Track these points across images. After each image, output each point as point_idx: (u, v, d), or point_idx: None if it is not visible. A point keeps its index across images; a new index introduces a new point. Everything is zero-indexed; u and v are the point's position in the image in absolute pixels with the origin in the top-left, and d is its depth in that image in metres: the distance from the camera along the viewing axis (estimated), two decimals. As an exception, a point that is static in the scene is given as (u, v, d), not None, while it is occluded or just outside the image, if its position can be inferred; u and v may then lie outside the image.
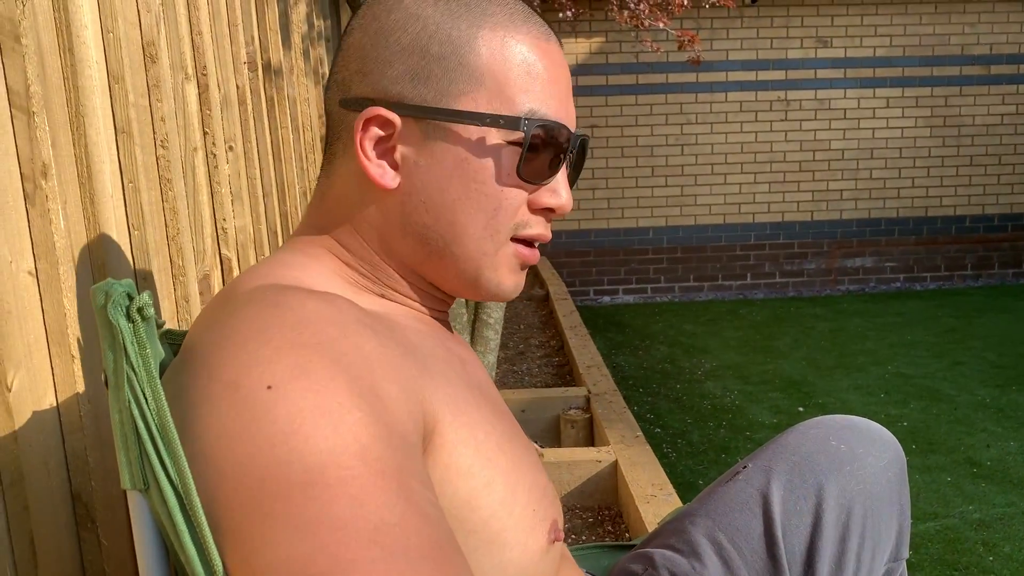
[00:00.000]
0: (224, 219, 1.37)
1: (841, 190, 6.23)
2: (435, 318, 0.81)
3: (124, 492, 0.97)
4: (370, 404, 0.56)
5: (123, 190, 1.02)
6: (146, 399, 0.59)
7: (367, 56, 0.74)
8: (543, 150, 0.73)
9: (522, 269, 0.79)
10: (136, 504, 0.60)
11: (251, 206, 1.53)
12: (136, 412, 0.58)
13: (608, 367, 3.67)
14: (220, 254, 1.36)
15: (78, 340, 0.89)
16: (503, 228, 0.74)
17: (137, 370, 0.59)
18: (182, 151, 1.21)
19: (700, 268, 6.27)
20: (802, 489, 0.95)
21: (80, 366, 0.89)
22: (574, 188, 5.98)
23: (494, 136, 0.72)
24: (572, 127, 0.77)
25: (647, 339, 5.18)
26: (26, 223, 0.82)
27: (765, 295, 6.30)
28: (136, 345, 0.59)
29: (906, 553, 0.99)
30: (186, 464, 0.57)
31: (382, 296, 0.77)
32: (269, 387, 0.53)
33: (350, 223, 0.76)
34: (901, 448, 1.02)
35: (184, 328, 1.19)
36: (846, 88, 6.08)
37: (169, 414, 0.59)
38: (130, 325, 0.59)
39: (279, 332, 0.57)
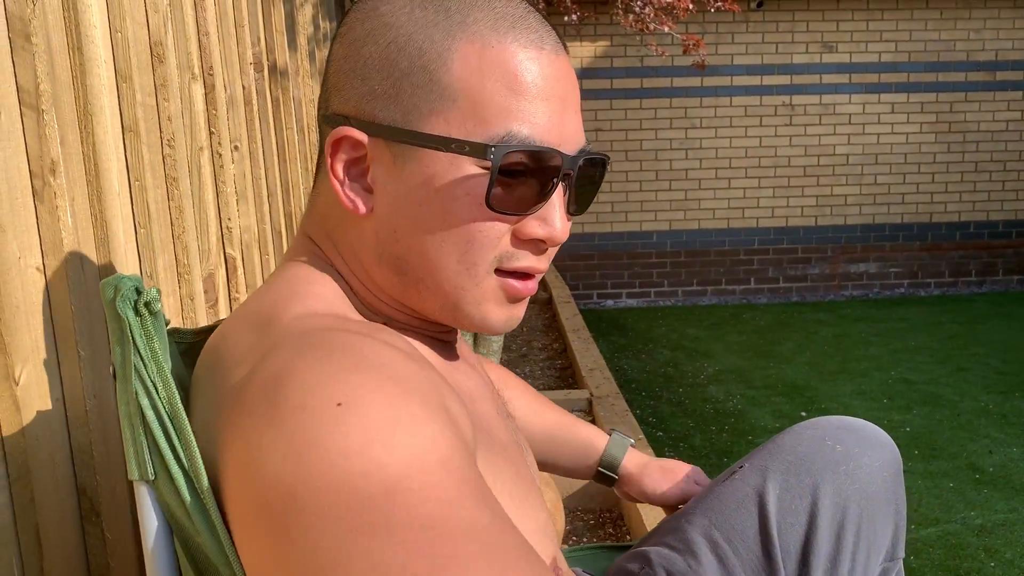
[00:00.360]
0: (229, 218, 1.38)
1: (845, 195, 6.23)
2: (444, 340, 0.77)
3: (129, 486, 0.98)
4: (444, 419, 0.54)
5: (130, 188, 1.03)
6: (156, 388, 0.60)
7: (341, 70, 0.69)
8: (527, 176, 0.65)
9: (513, 303, 0.72)
10: (143, 495, 0.61)
11: (256, 206, 1.54)
12: (146, 402, 0.60)
13: (611, 370, 3.68)
14: (225, 253, 1.37)
15: (84, 336, 0.90)
16: (480, 262, 0.67)
17: (146, 361, 0.60)
18: (188, 150, 1.22)
19: (703, 272, 6.27)
20: (798, 488, 0.96)
21: (86, 362, 0.90)
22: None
23: (465, 163, 0.64)
24: (573, 147, 0.68)
25: (650, 343, 5.18)
26: (35, 219, 0.83)
27: (768, 300, 6.30)
28: (144, 337, 0.61)
29: (902, 553, 1.00)
30: (196, 449, 0.58)
31: (385, 324, 0.72)
32: (339, 404, 0.50)
33: (334, 245, 0.72)
34: (897, 449, 1.02)
35: (190, 326, 1.20)
36: (851, 93, 6.08)
37: (179, 401, 0.60)
38: (138, 319, 0.61)
39: (343, 355, 0.54)
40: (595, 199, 6.06)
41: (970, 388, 4.12)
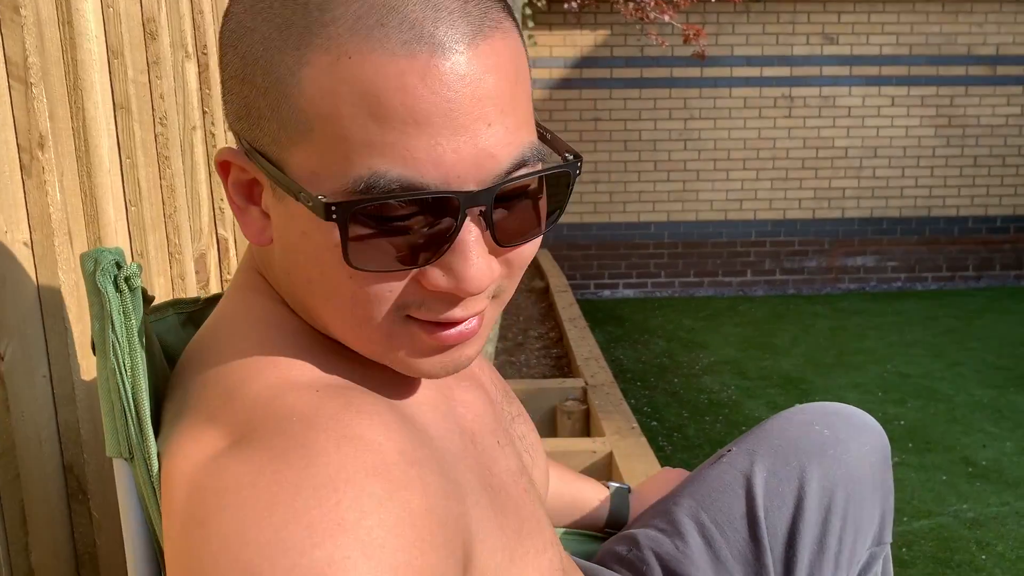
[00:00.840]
0: (222, 199, 1.38)
1: (843, 188, 6.23)
2: None
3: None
4: None
5: (120, 166, 1.02)
6: (125, 371, 0.59)
7: (222, 78, 0.58)
8: (409, 223, 0.51)
9: (441, 351, 0.58)
10: (121, 471, 0.61)
11: (250, 187, 1.53)
12: (119, 381, 0.59)
13: (607, 360, 3.69)
14: (217, 234, 1.36)
15: (73, 313, 0.90)
16: (375, 316, 0.55)
17: (120, 340, 0.59)
18: (181, 129, 1.21)
19: (700, 264, 6.27)
20: (785, 472, 0.96)
21: (74, 338, 0.89)
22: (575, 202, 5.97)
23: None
24: (481, 174, 0.52)
25: (646, 333, 5.18)
26: (22, 194, 0.82)
27: (765, 292, 6.30)
28: (122, 315, 0.59)
29: (889, 538, 1.00)
30: (153, 442, 0.58)
31: (351, 351, 0.62)
32: None
33: (268, 269, 0.64)
34: (885, 435, 1.03)
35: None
36: (851, 85, 6.07)
37: (144, 391, 0.59)
38: (118, 295, 0.59)
39: (313, 499, 0.46)
40: (594, 189, 6.04)
41: (965, 382, 4.12)
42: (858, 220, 6.28)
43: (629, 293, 6.29)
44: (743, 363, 4.50)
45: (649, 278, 6.27)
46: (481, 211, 0.53)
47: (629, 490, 1.13)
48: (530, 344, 4.11)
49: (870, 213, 6.27)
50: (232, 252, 1.42)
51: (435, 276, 0.54)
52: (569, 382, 3.07)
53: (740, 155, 6.13)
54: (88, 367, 0.92)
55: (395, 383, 0.63)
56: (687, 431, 3.58)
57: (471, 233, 0.53)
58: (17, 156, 0.81)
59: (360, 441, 0.50)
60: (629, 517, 1.11)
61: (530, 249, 0.59)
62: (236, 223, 1.45)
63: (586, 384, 3.02)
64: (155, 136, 1.12)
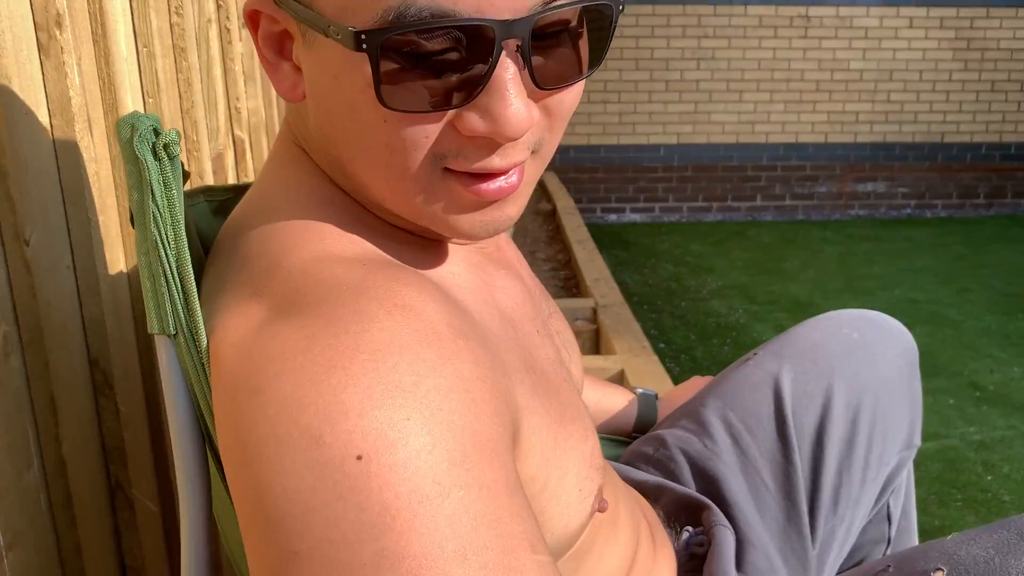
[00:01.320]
0: (237, 99, 1.34)
1: (857, 112, 6.11)
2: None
3: (141, 354, 0.96)
4: (474, 468, 0.45)
5: (137, 55, 0.98)
6: (168, 242, 0.57)
7: None
8: (443, 59, 0.49)
9: (480, 207, 0.56)
10: (164, 349, 0.59)
11: (263, 88, 1.49)
12: (162, 254, 0.57)
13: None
14: (233, 134, 1.33)
15: (95, 203, 0.87)
16: (411, 166, 0.53)
17: (162, 210, 0.57)
18: (196, 21, 1.17)
19: (709, 188, 6.20)
20: (813, 373, 0.95)
21: (96, 229, 0.87)
22: (591, 88, 5.85)
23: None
24: (516, 4, 0.48)
25: (652, 258, 5.16)
26: (40, 75, 0.79)
27: (774, 217, 6.25)
28: (162, 185, 0.57)
29: (918, 441, 1.00)
30: (200, 316, 0.56)
31: (393, 228, 0.61)
32: (359, 457, 0.43)
33: (305, 132, 0.63)
34: (913, 339, 1.02)
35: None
36: (869, 6, 5.90)
37: (188, 262, 0.57)
38: (156, 163, 0.57)
39: (370, 363, 0.46)
40: (603, 110, 5.92)
41: (973, 308, 4.12)
42: (870, 145, 6.18)
43: (636, 218, 6.24)
44: (751, 288, 4.49)
45: (657, 202, 6.21)
46: (518, 45, 0.50)
47: (656, 396, 1.13)
48: (538, 266, 4.10)
49: (883, 138, 6.17)
50: (248, 155, 1.39)
51: (472, 119, 0.51)
52: (579, 302, 3.06)
53: (754, 76, 5.99)
54: (113, 259, 0.90)
55: (438, 264, 0.63)
56: (695, 353, 3.59)
57: (508, 70, 0.50)
58: (34, 34, 0.78)
59: (411, 310, 0.50)
60: (656, 422, 1.11)
61: (572, 97, 0.56)
62: (252, 124, 1.41)
63: (596, 304, 3.01)
64: (171, 26, 1.08)
